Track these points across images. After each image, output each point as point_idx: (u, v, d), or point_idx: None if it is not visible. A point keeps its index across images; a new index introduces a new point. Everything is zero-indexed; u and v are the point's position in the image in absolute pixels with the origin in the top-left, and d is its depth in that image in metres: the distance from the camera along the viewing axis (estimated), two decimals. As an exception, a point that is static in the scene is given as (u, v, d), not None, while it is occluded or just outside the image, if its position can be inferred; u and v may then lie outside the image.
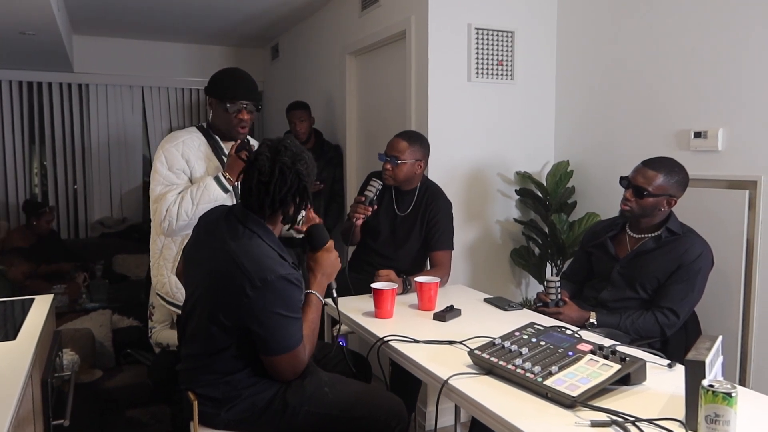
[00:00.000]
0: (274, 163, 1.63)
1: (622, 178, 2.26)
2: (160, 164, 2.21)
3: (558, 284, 2.21)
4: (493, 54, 3.09)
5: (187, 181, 2.21)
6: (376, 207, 2.52)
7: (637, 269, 2.23)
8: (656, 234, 2.23)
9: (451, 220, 2.60)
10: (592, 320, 2.17)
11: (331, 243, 1.86)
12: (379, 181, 2.52)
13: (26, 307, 2.02)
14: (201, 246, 1.74)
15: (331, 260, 1.83)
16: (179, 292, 2.22)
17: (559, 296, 2.21)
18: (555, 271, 3.10)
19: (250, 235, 1.62)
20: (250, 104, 2.23)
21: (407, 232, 2.58)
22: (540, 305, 2.24)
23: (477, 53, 3.05)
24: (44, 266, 4.09)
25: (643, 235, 2.27)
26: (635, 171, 2.22)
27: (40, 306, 2.03)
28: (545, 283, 2.26)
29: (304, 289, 1.67)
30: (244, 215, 1.67)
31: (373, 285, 2.08)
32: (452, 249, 2.59)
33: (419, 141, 2.55)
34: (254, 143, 2.37)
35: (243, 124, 2.24)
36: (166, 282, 2.25)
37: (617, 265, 2.28)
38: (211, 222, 1.74)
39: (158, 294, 2.33)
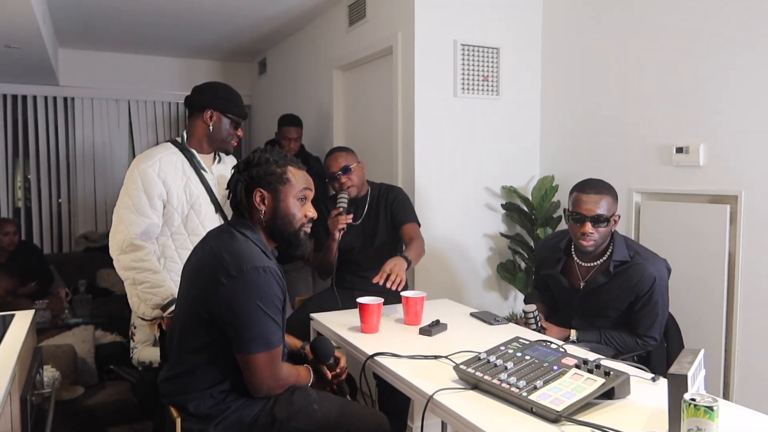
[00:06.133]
0: (236, 180, 1.74)
1: (570, 214, 2.13)
2: (135, 187, 2.15)
3: (536, 312, 2.19)
4: (478, 70, 3.13)
5: (161, 210, 2.18)
6: (352, 214, 2.57)
7: (595, 302, 2.21)
8: (603, 263, 2.17)
9: (409, 200, 2.72)
10: (573, 338, 2.18)
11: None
12: (343, 192, 2.58)
13: (6, 322, 1.99)
14: (193, 256, 1.77)
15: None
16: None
17: (539, 323, 2.20)
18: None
19: (234, 234, 1.68)
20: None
21: (374, 228, 2.66)
22: None
23: (463, 69, 3.08)
24: (21, 288, 4.03)
25: (592, 263, 2.21)
26: (582, 202, 2.09)
27: (21, 322, 2.00)
28: (523, 313, 2.25)
29: (285, 289, 1.67)
30: (234, 219, 1.76)
31: (359, 300, 2.07)
32: (419, 224, 2.67)
33: (351, 149, 2.72)
34: (229, 159, 2.44)
35: (237, 138, 2.35)
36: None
37: (576, 296, 2.26)
38: (206, 237, 1.79)
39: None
